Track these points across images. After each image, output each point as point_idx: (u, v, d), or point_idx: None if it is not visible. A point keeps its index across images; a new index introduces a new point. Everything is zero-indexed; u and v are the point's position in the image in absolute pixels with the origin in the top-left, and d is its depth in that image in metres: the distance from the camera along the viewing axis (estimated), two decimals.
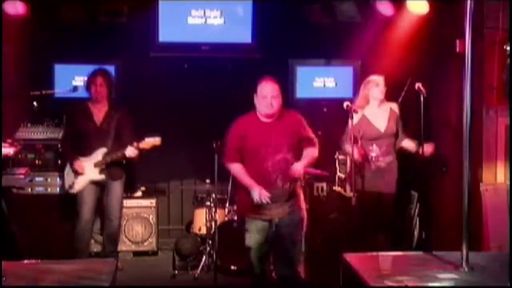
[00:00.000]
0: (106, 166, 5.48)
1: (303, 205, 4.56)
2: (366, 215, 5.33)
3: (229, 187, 6.15)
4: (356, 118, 5.19)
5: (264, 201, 4.26)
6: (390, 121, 5.38)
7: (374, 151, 5.29)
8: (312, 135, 4.53)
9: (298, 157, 4.43)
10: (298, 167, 4.34)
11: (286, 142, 4.37)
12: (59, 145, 5.93)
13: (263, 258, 4.53)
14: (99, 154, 5.48)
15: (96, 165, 5.46)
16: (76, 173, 5.46)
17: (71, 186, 5.50)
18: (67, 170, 5.56)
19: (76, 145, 5.55)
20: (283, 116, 4.45)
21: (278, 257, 4.58)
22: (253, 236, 4.44)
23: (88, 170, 5.46)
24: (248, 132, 4.41)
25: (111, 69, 6.54)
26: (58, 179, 5.92)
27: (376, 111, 5.41)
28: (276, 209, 4.37)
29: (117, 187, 5.59)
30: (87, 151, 5.50)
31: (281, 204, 4.38)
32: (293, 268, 4.47)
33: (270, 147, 4.34)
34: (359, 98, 5.45)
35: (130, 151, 5.41)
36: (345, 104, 5.12)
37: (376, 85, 5.37)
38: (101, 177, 5.48)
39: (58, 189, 5.91)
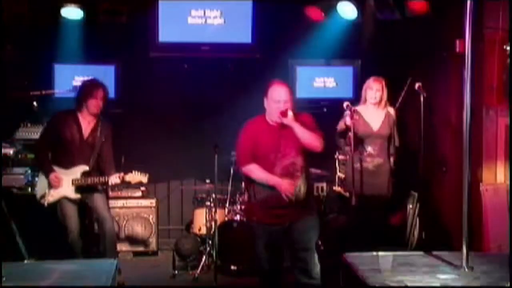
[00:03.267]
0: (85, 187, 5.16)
1: (315, 211, 4.41)
2: (364, 215, 5.31)
3: (229, 187, 6.16)
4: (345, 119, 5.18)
5: (289, 196, 4.14)
6: (384, 123, 5.37)
7: (365, 151, 5.29)
8: (319, 133, 4.31)
9: (307, 161, 4.30)
10: (290, 114, 4.14)
11: (295, 146, 4.21)
12: (35, 150, 5.50)
13: (274, 265, 4.36)
14: (78, 170, 5.14)
15: (74, 182, 5.12)
16: (51, 185, 5.13)
17: (43, 197, 5.16)
18: (41, 177, 5.24)
19: (54, 154, 5.22)
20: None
21: (293, 264, 4.38)
22: (261, 242, 4.31)
23: (65, 185, 5.11)
24: (258, 136, 4.26)
25: (111, 69, 6.58)
26: None
27: (372, 111, 5.40)
28: (286, 214, 4.21)
29: (96, 191, 5.28)
30: (65, 163, 5.15)
31: (292, 209, 4.21)
32: (310, 276, 4.25)
33: (279, 152, 4.19)
34: (361, 98, 5.48)
35: (114, 180, 5.13)
36: (345, 103, 5.12)
37: (370, 88, 5.38)
38: (77, 196, 5.14)
39: None
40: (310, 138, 4.19)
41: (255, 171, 4.25)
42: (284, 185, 4.16)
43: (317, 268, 4.29)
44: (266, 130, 4.26)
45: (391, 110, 5.49)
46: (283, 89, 4.23)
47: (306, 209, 4.31)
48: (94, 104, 5.15)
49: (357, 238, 5.21)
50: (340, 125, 5.27)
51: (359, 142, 5.32)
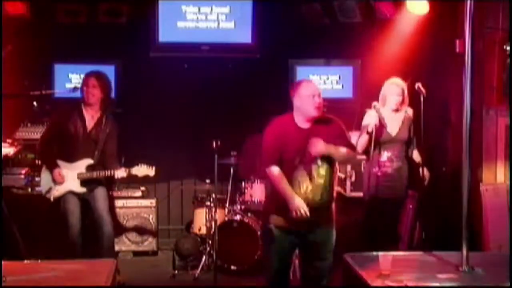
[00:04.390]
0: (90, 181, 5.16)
1: (333, 222, 4.18)
2: (370, 218, 5.23)
3: (229, 187, 6.16)
4: (371, 119, 5.00)
5: (303, 214, 3.91)
6: (403, 126, 5.17)
7: (383, 156, 5.12)
8: (352, 143, 4.19)
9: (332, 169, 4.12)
10: (320, 144, 3.92)
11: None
12: (39, 144, 5.42)
13: (284, 272, 4.19)
14: (82, 164, 5.13)
15: (79, 176, 5.11)
16: (55, 181, 5.14)
17: (48, 192, 5.16)
18: (45, 172, 5.22)
19: (59, 148, 5.20)
20: (323, 122, 4.07)
21: (304, 270, 4.27)
22: (275, 247, 4.11)
23: (70, 179, 5.11)
24: (286, 137, 4.03)
25: (111, 69, 6.57)
26: None
27: (389, 115, 5.15)
28: (304, 221, 3.98)
29: (100, 188, 5.26)
30: (70, 157, 5.14)
31: (311, 215, 3.98)
32: (318, 284, 4.13)
33: (304, 157, 3.97)
34: (379, 98, 5.21)
35: (121, 174, 5.10)
36: (374, 104, 4.98)
37: (390, 94, 5.15)
38: (82, 190, 5.13)
39: None
40: (345, 157, 4.10)
41: (274, 174, 4.04)
42: (295, 203, 3.93)
43: (326, 279, 4.15)
44: (293, 132, 4.06)
45: (410, 111, 5.24)
46: (314, 84, 4.19)
47: (326, 219, 4.13)
48: (87, 92, 5.15)
49: (368, 240, 5.15)
50: (366, 128, 5.02)
51: (377, 146, 5.12)
